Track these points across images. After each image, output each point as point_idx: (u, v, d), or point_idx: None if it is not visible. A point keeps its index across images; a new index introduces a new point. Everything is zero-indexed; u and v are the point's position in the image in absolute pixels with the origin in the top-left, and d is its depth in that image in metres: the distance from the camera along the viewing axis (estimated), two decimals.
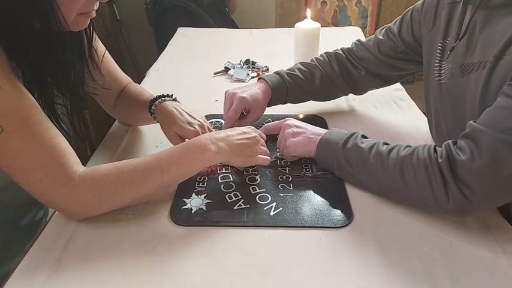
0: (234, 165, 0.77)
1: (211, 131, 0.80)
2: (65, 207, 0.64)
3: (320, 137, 0.76)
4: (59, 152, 0.61)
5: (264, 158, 0.75)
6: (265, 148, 0.77)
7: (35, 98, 0.63)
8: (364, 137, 0.74)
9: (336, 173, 0.75)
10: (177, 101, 0.85)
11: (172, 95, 0.85)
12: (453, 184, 0.60)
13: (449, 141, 0.64)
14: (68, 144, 0.64)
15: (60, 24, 0.60)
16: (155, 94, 0.85)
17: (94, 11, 0.65)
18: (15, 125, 0.58)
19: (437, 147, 0.65)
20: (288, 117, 0.98)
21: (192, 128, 0.77)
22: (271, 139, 0.85)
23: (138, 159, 0.67)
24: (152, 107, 0.82)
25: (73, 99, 0.71)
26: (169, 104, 0.81)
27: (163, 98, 0.83)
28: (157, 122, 0.82)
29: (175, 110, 0.80)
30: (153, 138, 0.89)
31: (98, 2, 0.64)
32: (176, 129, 0.78)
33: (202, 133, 0.77)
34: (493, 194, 0.60)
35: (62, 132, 0.68)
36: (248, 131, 0.75)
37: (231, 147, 0.71)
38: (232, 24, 2.18)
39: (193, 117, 0.80)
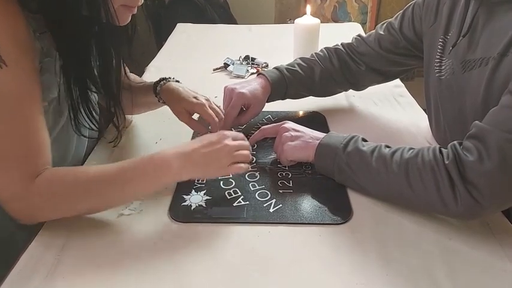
0: (208, 178, 0.72)
1: (217, 106, 0.83)
2: (12, 207, 0.60)
3: (318, 141, 0.73)
4: (34, 151, 0.60)
5: (238, 166, 0.68)
6: (243, 152, 0.69)
7: (69, 83, 0.64)
8: (364, 140, 0.71)
9: (336, 179, 0.72)
10: (180, 82, 0.88)
11: (174, 78, 0.88)
12: (461, 186, 0.58)
13: (455, 142, 0.62)
14: (49, 144, 0.62)
15: (107, 13, 0.61)
16: None
17: (136, 8, 0.66)
18: (6, 108, 0.57)
19: (442, 149, 0.63)
20: (287, 113, 0.98)
21: (199, 101, 0.80)
22: (270, 138, 0.84)
23: (100, 168, 0.63)
24: (158, 88, 0.84)
25: (108, 90, 0.72)
26: (173, 83, 0.84)
27: (167, 79, 0.86)
28: (162, 103, 0.85)
29: (180, 87, 0.83)
30: (153, 134, 0.89)
31: None
32: (184, 104, 0.81)
33: (209, 106, 0.81)
34: (502, 195, 0.59)
35: (91, 122, 0.69)
36: (216, 140, 0.67)
37: (195, 162, 0.65)
38: (232, 20, 2.17)
39: (197, 94, 0.83)
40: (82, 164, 0.79)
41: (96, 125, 0.71)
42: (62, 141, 0.70)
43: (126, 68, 0.93)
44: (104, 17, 0.62)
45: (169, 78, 0.86)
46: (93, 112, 0.70)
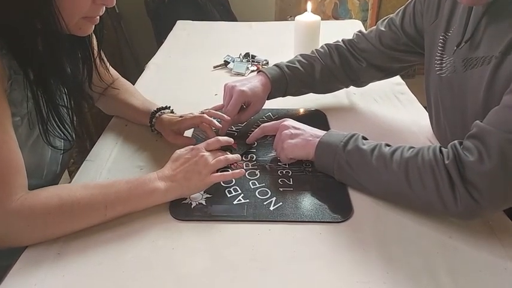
0: (193, 193, 0.70)
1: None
2: None
3: (319, 139, 0.73)
4: (9, 170, 0.58)
5: (217, 175, 0.70)
6: (221, 158, 0.71)
7: (34, 95, 0.62)
8: (364, 138, 0.71)
9: (336, 177, 0.71)
10: (173, 112, 0.88)
11: (170, 107, 0.89)
12: (461, 186, 0.58)
13: (456, 141, 0.62)
14: (23, 165, 0.61)
15: (60, 28, 0.60)
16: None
17: (98, 17, 0.65)
18: None
19: (442, 148, 0.63)
20: (287, 110, 0.98)
21: (187, 116, 0.81)
22: (270, 136, 0.84)
23: (83, 190, 0.63)
24: (153, 120, 0.86)
25: (77, 100, 0.71)
26: (164, 116, 0.85)
27: (162, 111, 0.87)
28: (157, 134, 0.87)
29: (168, 116, 0.85)
30: (149, 135, 0.88)
31: (103, 8, 0.64)
32: (171, 126, 0.82)
33: (195, 119, 0.81)
34: (502, 195, 0.58)
35: (64, 134, 0.68)
36: (191, 155, 0.70)
37: (178, 181, 0.67)
38: (232, 17, 2.17)
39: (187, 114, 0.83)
40: (58, 173, 0.78)
41: (68, 136, 0.70)
42: (37, 151, 0.69)
43: (116, 73, 0.93)
44: (62, 29, 0.60)
45: (163, 110, 0.87)
46: (64, 123, 0.68)
